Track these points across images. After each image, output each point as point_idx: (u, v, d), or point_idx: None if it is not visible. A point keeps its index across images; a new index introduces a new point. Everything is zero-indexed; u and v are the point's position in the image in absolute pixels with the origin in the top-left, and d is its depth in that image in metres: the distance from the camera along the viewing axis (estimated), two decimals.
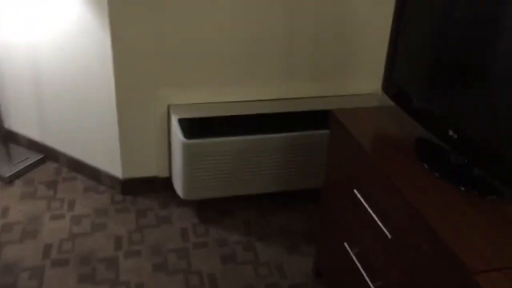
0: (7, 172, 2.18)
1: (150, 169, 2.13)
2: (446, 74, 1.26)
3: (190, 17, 1.86)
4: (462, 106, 1.22)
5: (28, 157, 2.28)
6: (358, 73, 2.14)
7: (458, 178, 1.24)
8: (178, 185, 1.98)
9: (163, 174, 2.15)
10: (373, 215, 1.31)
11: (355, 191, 1.40)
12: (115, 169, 2.12)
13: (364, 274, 1.38)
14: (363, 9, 2.01)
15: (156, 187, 2.17)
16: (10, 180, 2.18)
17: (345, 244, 1.50)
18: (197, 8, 1.85)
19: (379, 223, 1.28)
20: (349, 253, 1.47)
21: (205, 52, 1.94)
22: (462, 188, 1.21)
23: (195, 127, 1.91)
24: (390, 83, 1.49)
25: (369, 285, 1.36)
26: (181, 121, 1.92)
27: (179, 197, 2.04)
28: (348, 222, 1.49)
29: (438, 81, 1.30)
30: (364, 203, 1.35)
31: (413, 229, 1.16)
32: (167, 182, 2.15)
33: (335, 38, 2.04)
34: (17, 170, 2.21)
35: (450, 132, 1.24)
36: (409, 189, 1.20)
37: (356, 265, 1.42)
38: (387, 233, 1.25)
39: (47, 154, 2.32)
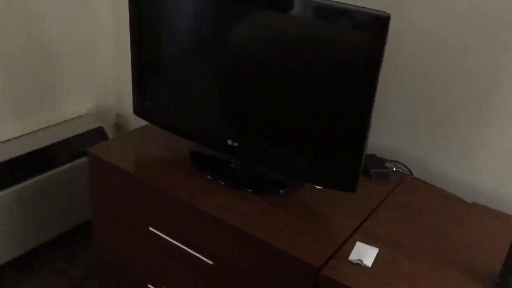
0: None
1: None
2: (208, 88, 1.27)
3: None
4: (235, 115, 1.25)
5: None
6: (67, 97, 1.92)
7: (242, 182, 1.28)
8: None
9: None
10: (184, 247, 1.23)
11: (151, 228, 1.28)
12: None
13: None
14: (57, 27, 1.79)
15: None
16: None
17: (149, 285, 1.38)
18: None
19: (193, 252, 1.22)
20: None
21: None
22: (250, 190, 1.26)
23: None
24: (143, 107, 1.40)
25: None
26: None
27: None
28: (147, 261, 1.36)
29: (202, 96, 1.30)
30: (168, 239, 1.25)
31: (234, 246, 1.15)
32: None
33: (32, 63, 1.76)
34: None
35: (229, 142, 1.25)
36: (206, 205, 1.18)
37: None
38: (206, 260, 1.20)
39: None
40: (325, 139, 1.13)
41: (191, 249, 1.22)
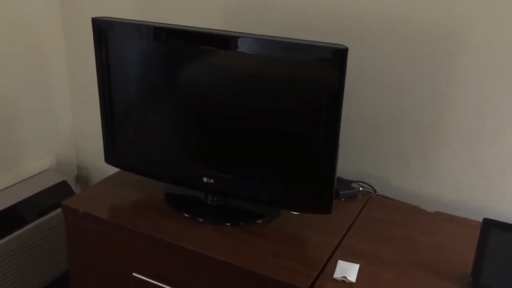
0: None
1: None
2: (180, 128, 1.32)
3: None
4: (208, 153, 1.30)
5: None
6: (27, 154, 1.90)
7: (220, 217, 1.33)
8: None
9: None
10: None
11: (135, 274, 1.29)
12: None
13: None
14: (13, 86, 1.79)
15: None
16: None
17: None
18: None
19: None
20: None
21: None
22: (228, 224, 1.30)
23: None
24: (116, 156, 1.42)
25: None
26: None
27: None
28: None
29: (172, 138, 1.34)
30: (153, 282, 1.27)
31: (223, 280, 1.19)
32: None
33: None
34: None
35: (205, 179, 1.30)
36: (189, 242, 1.21)
37: None
38: None
39: None
40: (297, 167, 1.20)
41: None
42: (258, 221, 1.31)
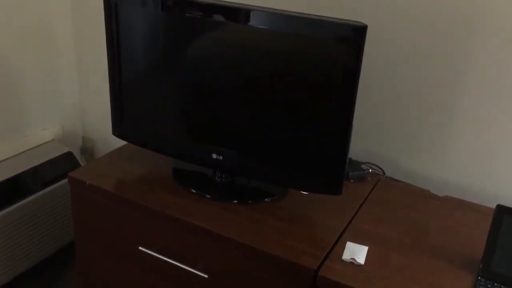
0: None
1: None
2: (191, 104, 1.30)
3: None
4: (218, 129, 1.28)
5: None
6: (33, 123, 1.88)
7: (227, 194, 1.31)
8: None
9: None
10: (176, 263, 1.24)
11: (141, 248, 1.28)
12: None
13: None
14: (19, 54, 1.76)
15: None
16: None
17: None
18: None
19: (187, 267, 1.23)
20: None
21: None
22: (235, 201, 1.29)
23: None
24: (124, 129, 1.40)
25: None
26: None
27: None
28: (138, 282, 1.36)
29: (182, 113, 1.32)
30: (160, 256, 1.26)
31: (229, 257, 1.18)
32: None
33: None
34: None
35: (214, 156, 1.28)
36: (197, 219, 1.20)
37: None
38: (201, 274, 1.22)
39: None
40: (309, 146, 1.18)
41: (184, 264, 1.23)
42: (266, 199, 1.30)
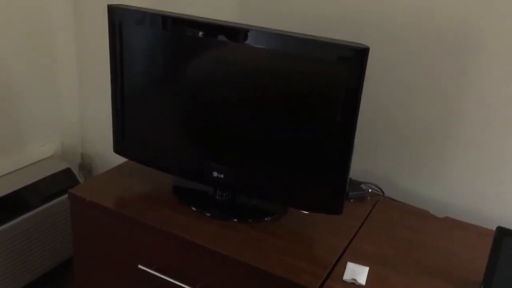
0: None
1: None
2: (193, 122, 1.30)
3: None
4: (219, 147, 1.29)
5: None
6: (32, 139, 1.88)
7: (227, 212, 1.31)
8: None
9: None
10: (176, 282, 1.23)
11: (140, 266, 1.27)
12: None
13: None
14: (19, 69, 1.77)
15: None
16: None
17: None
18: None
19: (186, 286, 1.22)
20: None
21: None
22: (235, 220, 1.29)
23: None
24: (125, 146, 1.41)
25: None
26: None
27: None
28: None
29: (183, 131, 1.33)
30: (159, 275, 1.25)
31: (229, 276, 1.17)
32: None
33: None
34: None
35: (215, 174, 1.29)
36: (197, 236, 1.20)
37: None
38: None
39: None
40: (310, 166, 1.18)
41: (184, 283, 1.22)
42: (266, 218, 1.30)
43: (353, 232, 1.27)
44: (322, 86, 1.12)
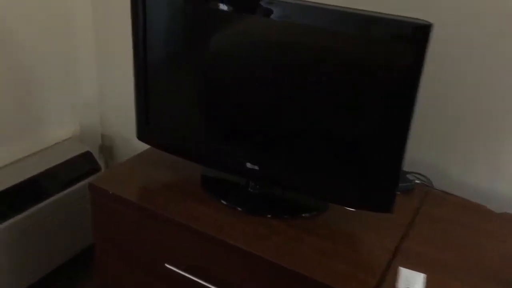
0: None
1: None
2: (222, 109, 1.17)
3: None
4: (255, 135, 1.16)
5: None
6: (51, 121, 1.78)
7: (261, 207, 1.19)
8: None
9: None
10: (207, 284, 1.13)
11: (167, 265, 1.17)
12: None
13: None
14: (37, 49, 1.65)
15: None
16: None
17: None
18: None
19: None
20: None
21: None
22: (269, 216, 1.16)
23: None
24: (150, 132, 1.29)
25: None
26: None
27: None
28: None
29: (214, 116, 1.20)
30: (187, 275, 1.14)
31: (264, 280, 1.06)
32: None
33: (12, 87, 1.61)
34: None
35: (249, 165, 1.16)
36: (228, 235, 1.08)
37: None
38: None
39: None
40: (358, 157, 1.05)
41: (215, 286, 1.11)
42: (304, 214, 1.17)
43: (402, 231, 1.14)
44: (375, 68, 0.97)
